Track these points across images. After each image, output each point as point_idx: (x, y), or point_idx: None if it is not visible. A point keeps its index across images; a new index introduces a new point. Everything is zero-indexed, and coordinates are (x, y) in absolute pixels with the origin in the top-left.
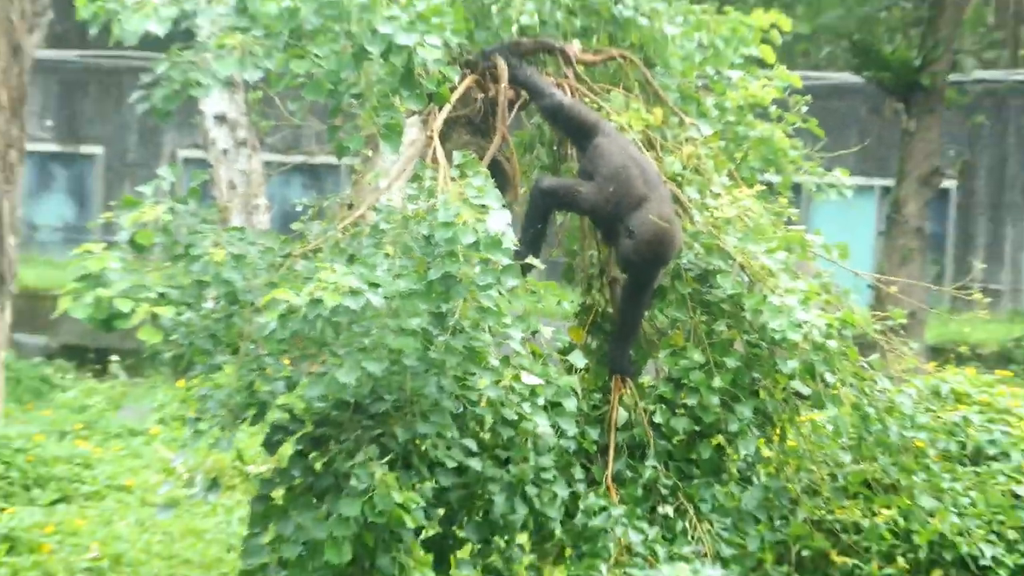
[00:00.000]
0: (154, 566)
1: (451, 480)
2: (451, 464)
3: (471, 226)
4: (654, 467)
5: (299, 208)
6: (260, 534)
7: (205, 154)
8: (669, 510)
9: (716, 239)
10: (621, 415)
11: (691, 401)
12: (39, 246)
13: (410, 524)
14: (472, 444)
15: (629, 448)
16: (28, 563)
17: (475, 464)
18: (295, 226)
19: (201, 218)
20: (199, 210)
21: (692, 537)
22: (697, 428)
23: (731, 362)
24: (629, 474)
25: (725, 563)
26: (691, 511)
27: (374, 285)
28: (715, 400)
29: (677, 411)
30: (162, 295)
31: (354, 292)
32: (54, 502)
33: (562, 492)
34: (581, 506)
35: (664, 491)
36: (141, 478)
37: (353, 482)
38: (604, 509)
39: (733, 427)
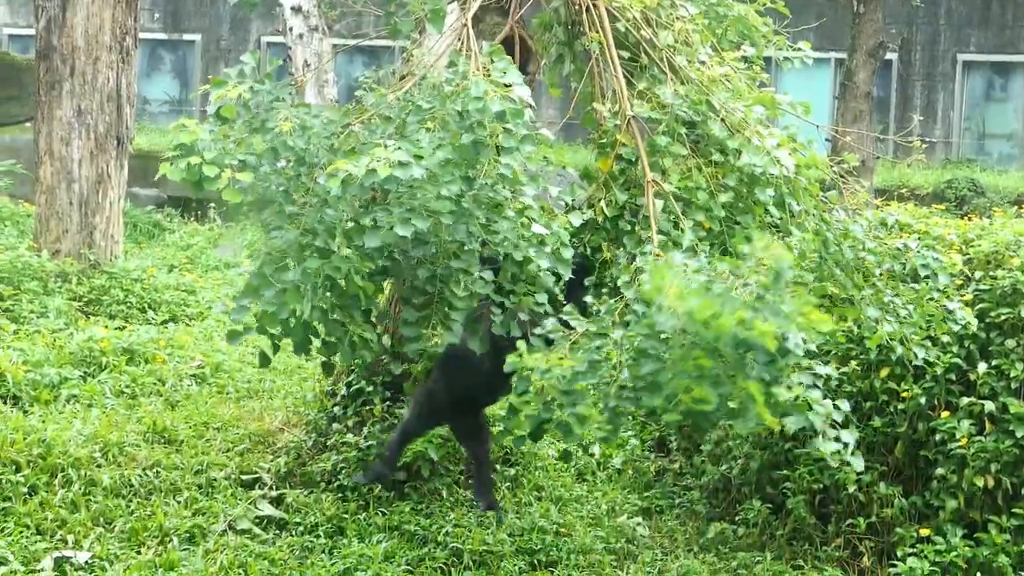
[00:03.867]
0: (246, 372)
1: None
2: (473, 299)
3: (498, 99)
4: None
5: (361, 80)
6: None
7: (284, 39)
8: None
9: (705, 95)
10: (659, 203)
11: (699, 217)
12: (150, 116)
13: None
14: (489, 275)
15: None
16: (144, 371)
17: (496, 296)
18: (358, 94)
19: (276, 96)
20: (274, 89)
21: None
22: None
23: (731, 182)
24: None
25: None
26: None
27: (418, 157)
28: (722, 214)
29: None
30: (242, 162)
31: (402, 164)
32: (165, 322)
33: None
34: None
35: None
36: None
37: (318, 242)
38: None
39: (739, 236)
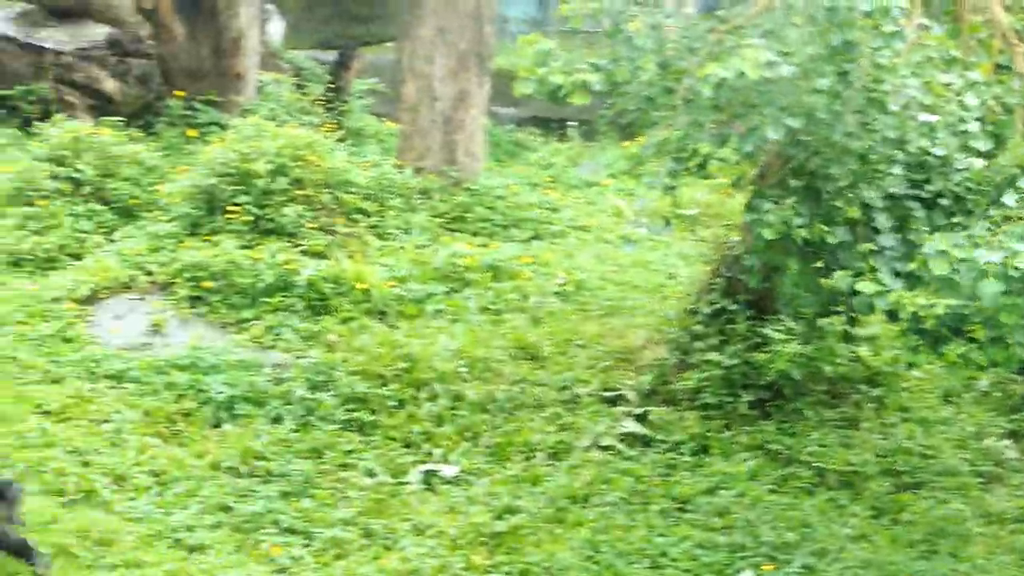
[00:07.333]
0: (608, 290)
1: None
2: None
3: None
4: None
5: None
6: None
7: None
8: None
9: None
10: None
11: None
12: (510, 36)
13: None
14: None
15: None
16: (509, 287)
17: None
18: (720, 14)
19: (632, 2)
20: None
21: None
22: None
23: None
24: None
25: None
26: None
27: (786, 54)
28: None
29: None
30: (594, 66)
31: (770, 64)
32: (528, 239)
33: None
34: None
35: None
36: (596, 220)
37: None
38: None
39: None
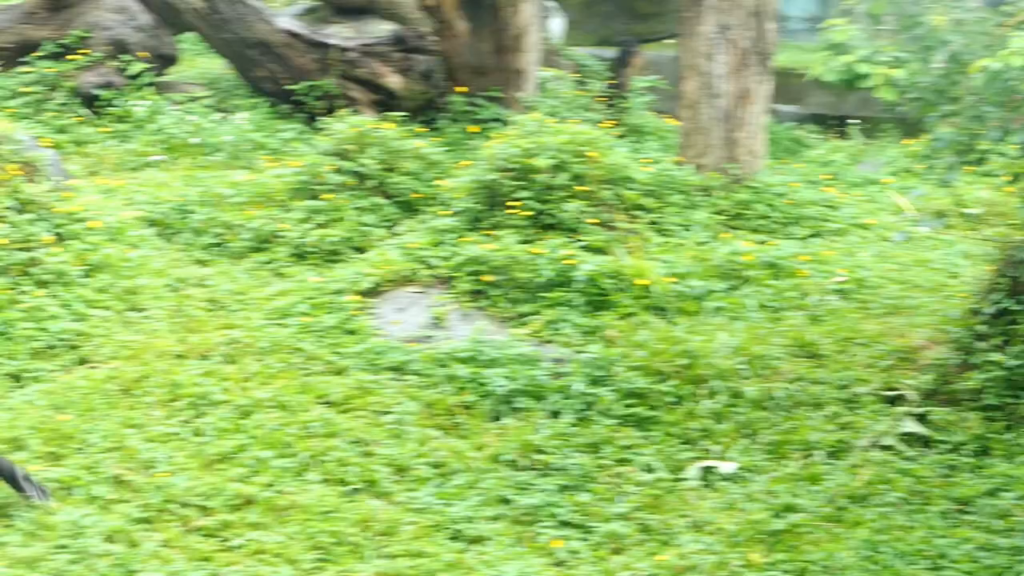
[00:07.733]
0: (889, 289)
1: None
2: None
3: None
4: None
5: None
6: None
7: None
8: None
9: None
10: None
11: None
12: (790, 34)
13: None
14: None
15: None
16: (788, 285)
17: None
18: (1005, 9)
19: None
20: None
21: None
22: None
23: None
24: None
25: None
26: None
27: None
28: None
29: None
30: (896, 59)
31: None
32: (807, 237)
33: None
34: None
35: None
36: (877, 218)
37: None
38: None
39: None
